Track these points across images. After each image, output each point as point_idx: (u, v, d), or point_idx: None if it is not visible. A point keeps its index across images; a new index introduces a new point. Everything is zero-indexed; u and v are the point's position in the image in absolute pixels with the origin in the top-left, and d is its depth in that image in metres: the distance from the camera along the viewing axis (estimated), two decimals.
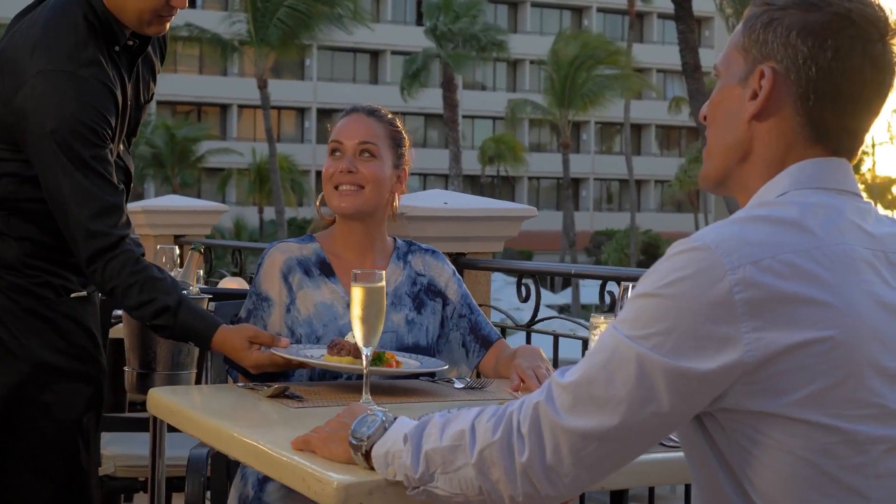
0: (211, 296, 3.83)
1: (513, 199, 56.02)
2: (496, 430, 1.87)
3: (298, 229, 47.99)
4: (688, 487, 3.20)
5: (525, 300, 4.03)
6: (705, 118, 2.00)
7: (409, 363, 3.01)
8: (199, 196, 46.89)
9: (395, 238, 3.43)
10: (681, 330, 1.74)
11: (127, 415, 4.83)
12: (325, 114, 55.70)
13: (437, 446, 1.94)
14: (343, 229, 3.31)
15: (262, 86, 38.66)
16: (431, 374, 3.14)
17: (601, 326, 3.00)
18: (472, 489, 1.90)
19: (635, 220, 52.02)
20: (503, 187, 57.40)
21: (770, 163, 1.90)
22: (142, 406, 5.43)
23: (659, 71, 61.87)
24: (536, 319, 4.00)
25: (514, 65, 59.31)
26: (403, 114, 55.99)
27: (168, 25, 3.16)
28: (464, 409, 2.01)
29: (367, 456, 2.06)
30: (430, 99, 49.86)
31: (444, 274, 3.40)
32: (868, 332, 1.75)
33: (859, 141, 1.91)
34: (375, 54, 56.98)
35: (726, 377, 1.73)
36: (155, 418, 3.74)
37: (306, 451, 2.20)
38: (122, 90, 3.09)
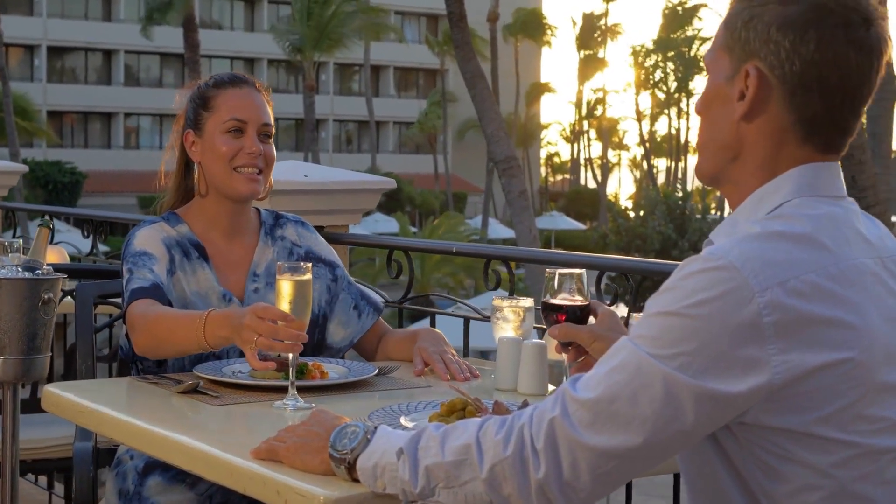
0: (66, 275, 3.66)
1: None
2: (507, 446, 1.84)
3: (30, 171, 46.28)
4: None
5: (397, 276, 3.97)
6: (699, 112, 1.99)
7: (337, 370, 2.92)
8: None
9: (258, 210, 3.26)
10: (708, 351, 1.74)
11: None
12: (56, 52, 53.72)
13: (438, 461, 1.89)
14: (211, 208, 3.13)
15: None
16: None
17: (505, 310, 3.00)
18: (479, 503, 1.88)
19: (376, 161, 52.24)
20: None
21: (762, 162, 1.90)
22: None
23: (397, 13, 61.99)
24: (409, 297, 3.94)
25: (251, 4, 58.45)
26: (139, 53, 54.67)
27: None
28: (460, 420, 1.98)
29: (350, 468, 1.99)
30: (166, 38, 48.71)
31: (320, 243, 3.30)
32: (880, 348, 1.80)
33: (849, 135, 1.90)
34: None
35: (753, 397, 1.75)
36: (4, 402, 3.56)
37: (269, 460, 2.11)
38: None
